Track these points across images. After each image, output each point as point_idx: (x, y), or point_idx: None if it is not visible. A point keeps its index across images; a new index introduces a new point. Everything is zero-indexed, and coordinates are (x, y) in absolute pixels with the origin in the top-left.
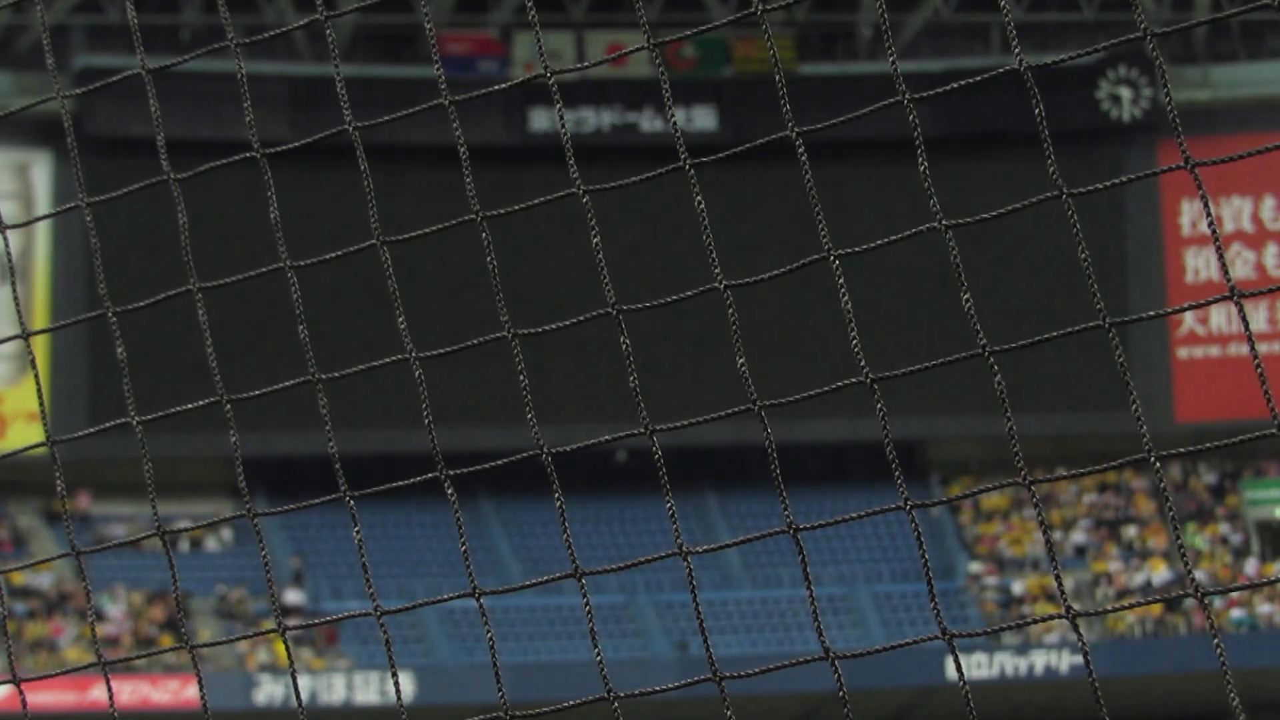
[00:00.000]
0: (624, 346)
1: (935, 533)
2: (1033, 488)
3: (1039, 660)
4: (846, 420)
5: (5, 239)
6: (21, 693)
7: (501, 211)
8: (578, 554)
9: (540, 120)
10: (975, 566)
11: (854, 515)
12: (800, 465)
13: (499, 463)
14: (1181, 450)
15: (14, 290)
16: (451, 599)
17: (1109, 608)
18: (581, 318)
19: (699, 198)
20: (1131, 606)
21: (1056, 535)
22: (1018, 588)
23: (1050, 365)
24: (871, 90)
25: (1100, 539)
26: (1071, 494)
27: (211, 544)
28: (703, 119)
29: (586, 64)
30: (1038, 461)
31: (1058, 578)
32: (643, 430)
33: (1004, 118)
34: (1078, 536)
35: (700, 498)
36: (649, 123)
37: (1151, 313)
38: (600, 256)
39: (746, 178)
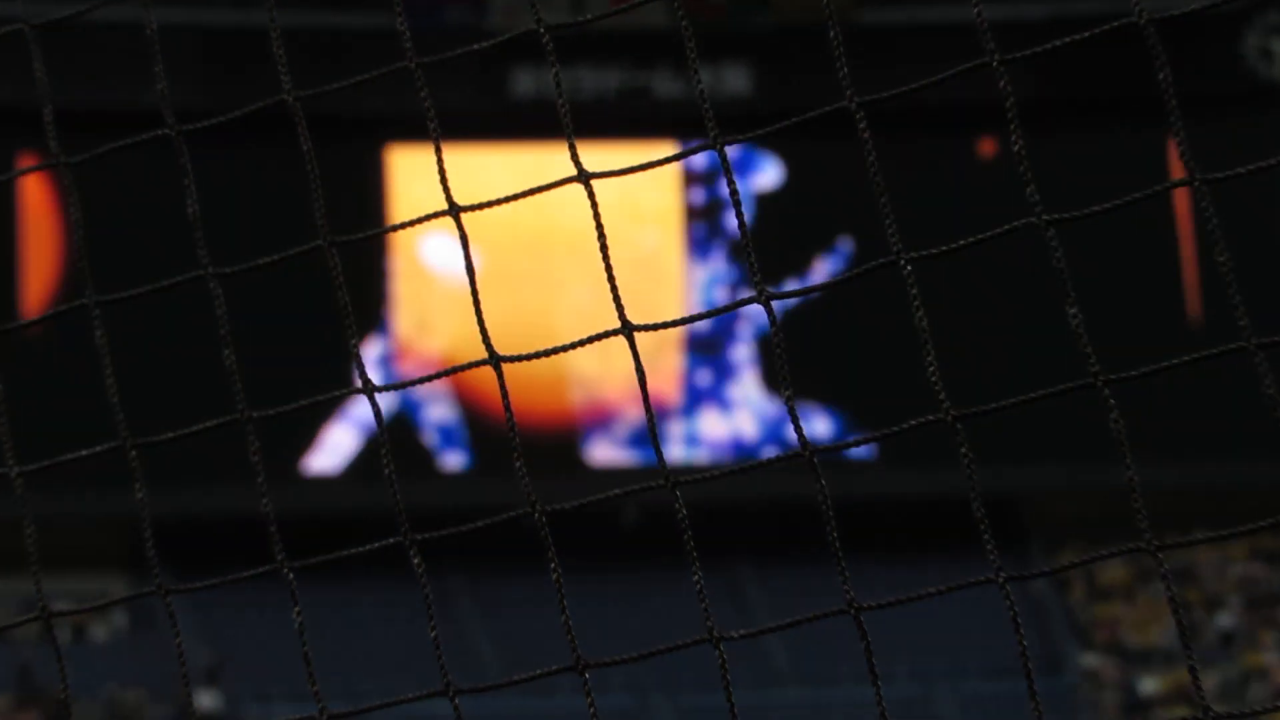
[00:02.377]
0: (638, 373)
1: (1038, 614)
2: (1162, 555)
3: None
4: (922, 470)
5: None
6: None
7: (481, 205)
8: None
9: (524, 83)
10: (1091, 659)
11: (931, 591)
12: (861, 529)
13: (478, 525)
14: None
15: None
16: (415, 700)
17: (1261, 709)
18: (575, 343)
19: (732, 184)
20: None
21: (1196, 617)
22: (1147, 687)
23: (1188, 398)
24: (952, 45)
25: (1253, 623)
26: (1216, 564)
27: (99, 632)
28: (734, 80)
29: (586, 17)
30: (1170, 522)
31: (1193, 670)
32: (662, 482)
33: (1124, 79)
34: (1224, 619)
35: (732, 570)
36: (665, 85)
37: None
38: (608, 260)
39: (790, 154)
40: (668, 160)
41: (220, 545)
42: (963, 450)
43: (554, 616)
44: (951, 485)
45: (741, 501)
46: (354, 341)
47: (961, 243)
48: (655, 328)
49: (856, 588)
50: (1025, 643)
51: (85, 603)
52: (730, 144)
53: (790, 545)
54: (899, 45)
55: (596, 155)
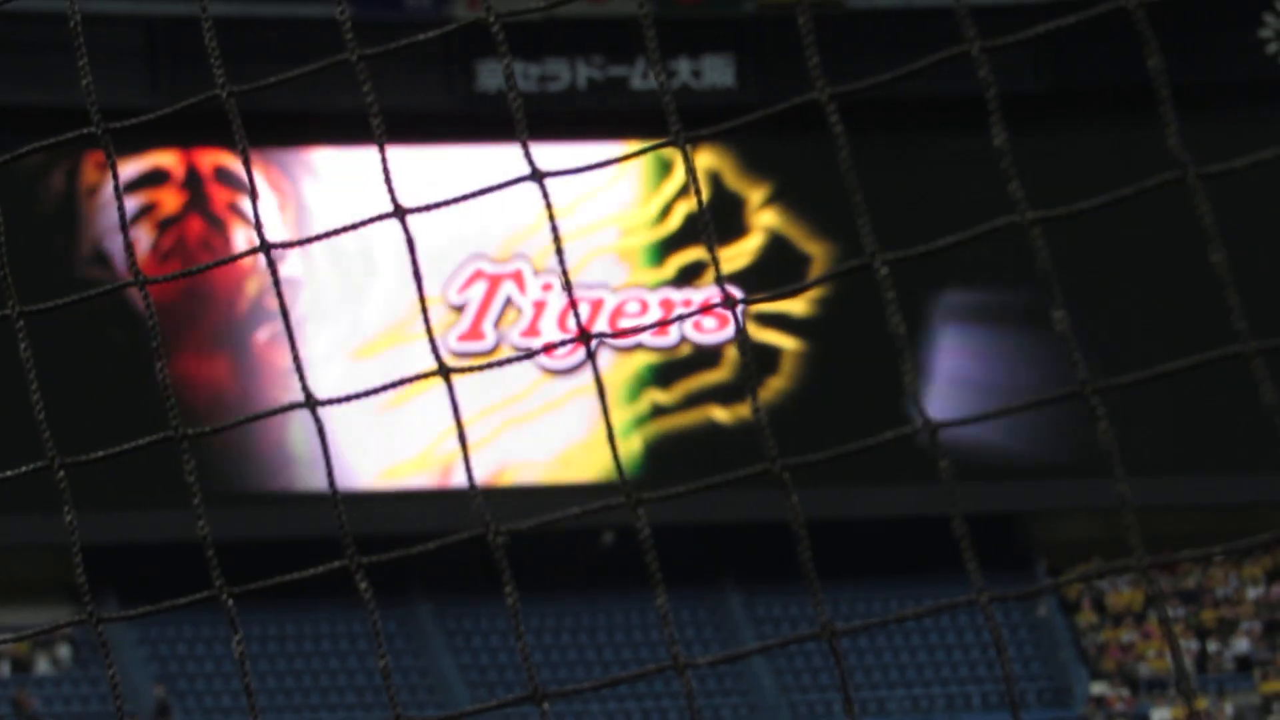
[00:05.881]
0: (596, 382)
1: (1044, 641)
2: (1170, 574)
3: None
4: (915, 487)
5: None
6: None
7: (428, 206)
8: (550, 669)
9: (492, 77)
10: (1100, 687)
11: (906, 614)
12: (854, 551)
13: (431, 545)
14: None
15: None
16: None
17: None
18: (534, 350)
19: (693, 182)
20: None
21: (1212, 646)
22: (1159, 716)
23: (1195, 409)
24: (945, 31)
25: (1271, 648)
26: (1231, 587)
27: (43, 665)
28: (716, 72)
29: (540, 5)
30: (1184, 541)
31: (1187, 695)
32: (624, 499)
33: (1131, 66)
34: (1240, 644)
35: (719, 594)
36: (642, 79)
37: None
38: (563, 262)
39: (775, 150)
40: (628, 157)
41: (175, 573)
42: (942, 464)
43: (525, 641)
44: (950, 505)
45: (728, 523)
46: (294, 353)
47: (942, 242)
48: (618, 335)
49: (850, 615)
50: (1031, 671)
51: (25, 633)
52: (693, 140)
53: (782, 567)
54: (889, 31)
55: (568, 152)
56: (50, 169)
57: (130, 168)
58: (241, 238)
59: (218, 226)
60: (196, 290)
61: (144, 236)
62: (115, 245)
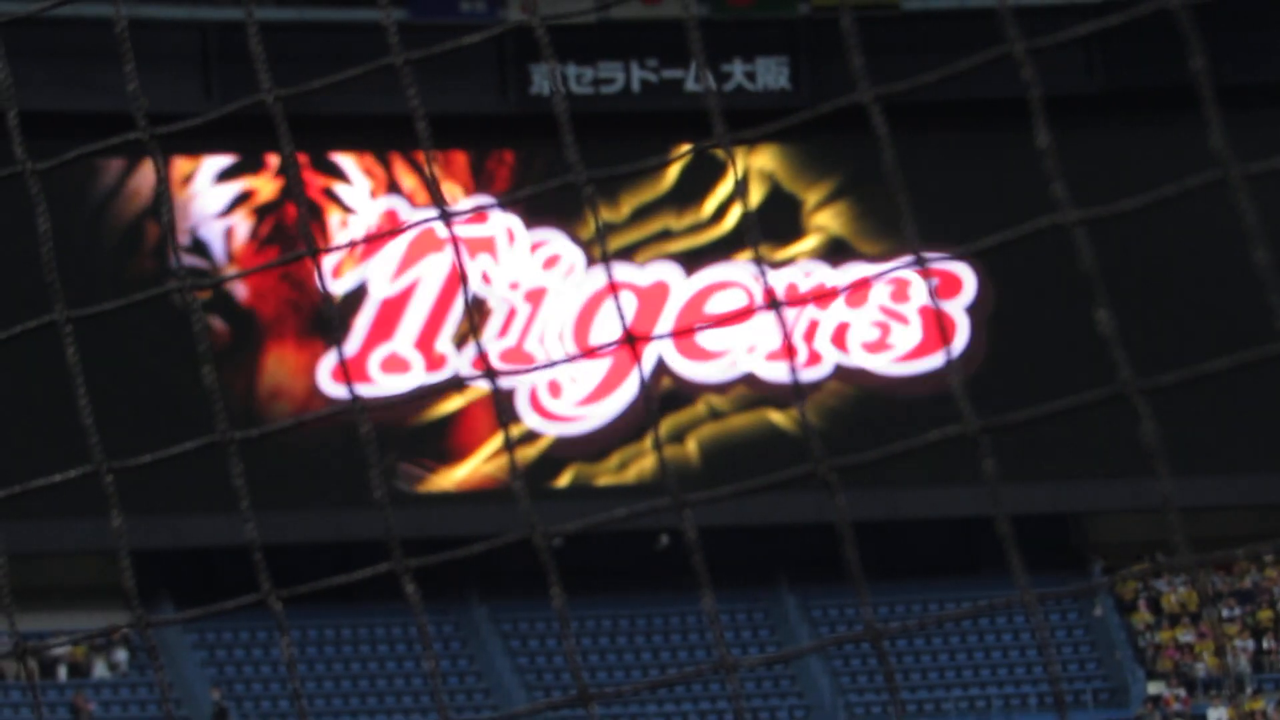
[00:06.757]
0: (641, 382)
1: (1100, 641)
2: (1225, 574)
3: None
4: (977, 488)
5: None
6: None
7: (475, 209)
8: (607, 671)
9: (547, 80)
10: (1156, 687)
11: (949, 615)
12: (916, 551)
13: (478, 548)
14: None
15: None
16: None
17: None
18: (575, 354)
19: (741, 178)
20: None
21: (1268, 645)
22: (1215, 716)
23: (1252, 409)
24: (1000, 31)
25: None
26: None
27: (100, 669)
28: (770, 74)
29: (586, 9)
30: (1238, 540)
31: (1235, 696)
32: (668, 501)
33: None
34: None
35: (774, 596)
36: (696, 81)
37: None
38: (610, 266)
39: (832, 151)
40: (674, 160)
41: (236, 578)
42: (985, 464)
43: (579, 641)
44: (1008, 505)
45: (781, 524)
46: (341, 359)
47: (983, 243)
48: (662, 338)
49: (910, 616)
50: (1087, 671)
51: (89, 641)
52: (739, 143)
53: (837, 568)
54: (944, 32)
55: (620, 154)
56: (139, 160)
57: (224, 157)
58: (336, 221)
59: (313, 211)
60: (296, 276)
61: (242, 223)
62: (212, 233)
